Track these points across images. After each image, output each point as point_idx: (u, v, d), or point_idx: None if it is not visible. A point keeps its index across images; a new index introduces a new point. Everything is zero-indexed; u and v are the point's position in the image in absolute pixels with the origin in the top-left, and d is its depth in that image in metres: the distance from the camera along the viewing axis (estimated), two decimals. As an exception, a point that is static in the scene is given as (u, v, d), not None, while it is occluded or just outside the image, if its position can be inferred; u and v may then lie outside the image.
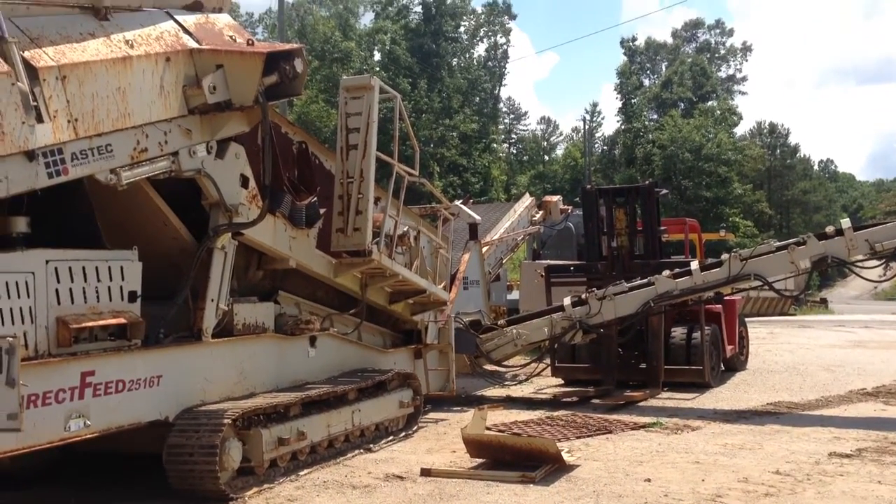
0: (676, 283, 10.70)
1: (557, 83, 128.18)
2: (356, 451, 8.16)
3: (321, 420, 7.67)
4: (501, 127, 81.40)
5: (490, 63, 72.96)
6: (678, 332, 12.55)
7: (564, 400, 11.45)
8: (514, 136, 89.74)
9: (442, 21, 62.23)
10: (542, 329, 11.09)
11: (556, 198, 16.50)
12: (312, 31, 59.67)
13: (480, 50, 72.23)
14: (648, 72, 72.14)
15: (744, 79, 76.48)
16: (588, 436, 8.88)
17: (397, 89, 55.00)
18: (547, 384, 13.12)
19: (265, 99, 6.96)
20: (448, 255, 10.68)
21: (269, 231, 7.74)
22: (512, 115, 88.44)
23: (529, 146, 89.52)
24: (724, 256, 10.69)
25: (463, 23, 67.41)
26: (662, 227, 12.89)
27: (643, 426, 9.40)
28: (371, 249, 8.45)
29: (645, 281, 10.89)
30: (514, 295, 18.19)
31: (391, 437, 8.82)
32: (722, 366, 13.58)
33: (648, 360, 12.21)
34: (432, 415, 10.44)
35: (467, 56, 69.43)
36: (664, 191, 13.60)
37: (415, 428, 9.31)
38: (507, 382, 11.92)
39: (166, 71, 6.56)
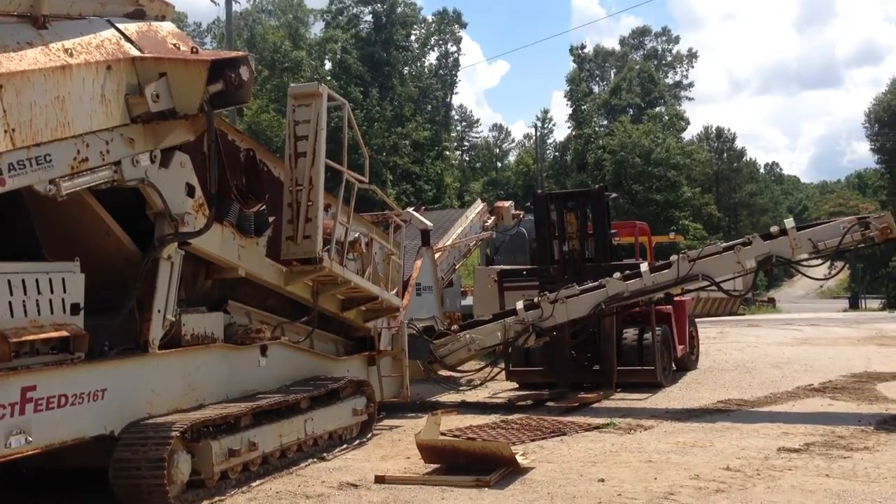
0: (627, 284, 10.81)
1: (508, 91, 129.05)
2: (310, 461, 8.08)
3: (273, 430, 7.58)
4: (454, 135, 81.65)
5: (441, 71, 73.22)
6: (630, 334, 12.68)
7: (519, 403, 11.49)
8: (466, 143, 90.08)
9: (393, 30, 62.36)
10: (495, 333, 11.12)
11: (507, 203, 16.58)
12: (262, 40, 59.34)
13: (431, 58, 72.46)
14: (598, 79, 73.03)
15: (690, 85, 77.85)
16: (542, 438, 8.91)
17: (349, 98, 55.03)
18: (502, 388, 13.16)
19: (210, 107, 6.87)
20: (400, 261, 10.66)
21: (216, 240, 7.64)
22: (464, 123, 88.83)
23: (482, 153, 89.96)
24: (673, 258, 10.83)
25: (413, 31, 67.61)
26: (613, 231, 13.03)
27: (597, 427, 9.46)
28: (322, 257, 8.39)
29: (596, 283, 10.98)
30: (469, 300, 18.23)
31: (345, 446, 8.75)
32: (673, 365, 13.77)
33: (601, 361, 12.31)
34: (387, 422, 10.40)
35: (418, 64, 69.60)
36: (614, 195, 13.78)
37: (369, 435, 9.25)
38: (461, 388, 11.92)
39: (107, 79, 6.44)
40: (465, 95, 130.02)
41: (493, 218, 15.81)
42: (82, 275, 6.31)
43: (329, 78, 55.32)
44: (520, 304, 11.17)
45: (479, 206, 16.03)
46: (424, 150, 62.42)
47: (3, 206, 5.92)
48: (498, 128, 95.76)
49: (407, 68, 66.44)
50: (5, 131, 5.58)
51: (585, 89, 68.46)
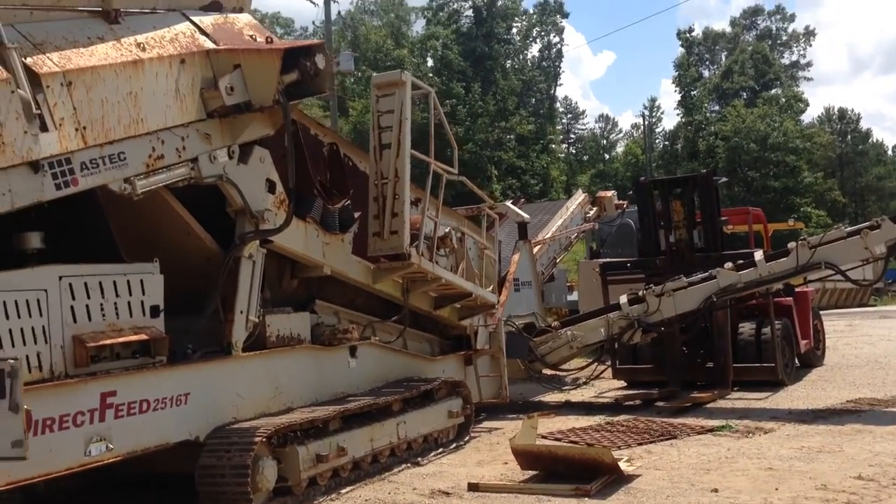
0: (740, 275, 10.03)
1: (615, 81, 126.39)
2: (403, 466, 7.74)
3: (363, 434, 7.27)
4: (559, 127, 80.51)
5: (544, 63, 72.24)
6: (746, 328, 11.85)
7: (626, 404, 10.88)
8: (572, 135, 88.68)
9: (493, 23, 61.79)
10: (598, 330, 10.53)
11: (610, 193, 15.86)
12: (365, 41, 59.91)
13: (534, 50, 71.57)
14: (708, 63, 70.43)
15: (808, 64, 74.12)
16: (650, 442, 8.30)
17: (451, 94, 54.68)
18: (609, 387, 12.55)
19: (286, 98, 6.61)
20: (494, 256, 10.20)
21: (299, 237, 7.39)
22: (569, 115, 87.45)
23: (588, 145, 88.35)
24: (791, 245, 9.98)
25: (515, 24, 66.88)
26: (723, 218, 12.20)
27: (711, 430, 8.77)
28: (409, 253, 8.04)
29: (706, 275, 10.24)
30: (575, 296, 17.61)
31: (441, 450, 8.38)
32: (796, 362, 12.81)
33: (715, 358, 11.55)
34: (487, 424, 9.98)
35: (521, 57, 68.86)
36: (723, 178, 12.91)
37: (466, 438, 8.85)
38: (565, 387, 11.36)
39: (181, 73, 6.25)
40: (570, 87, 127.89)
41: (595, 209, 15.14)
42: (161, 276, 6.15)
43: (430, 74, 55.25)
44: (623, 299, 10.54)
45: (579, 196, 15.39)
46: (529, 144, 61.62)
47: (78, 206, 5.79)
48: (604, 118, 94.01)
49: (509, 62, 65.79)
50: (76, 129, 5.44)
51: (695, 74, 66.08)
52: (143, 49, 6.05)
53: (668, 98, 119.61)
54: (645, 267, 12.16)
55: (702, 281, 10.22)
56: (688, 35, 69.03)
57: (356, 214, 8.19)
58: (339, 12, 62.52)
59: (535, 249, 12.84)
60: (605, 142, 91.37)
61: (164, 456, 6.06)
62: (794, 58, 72.76)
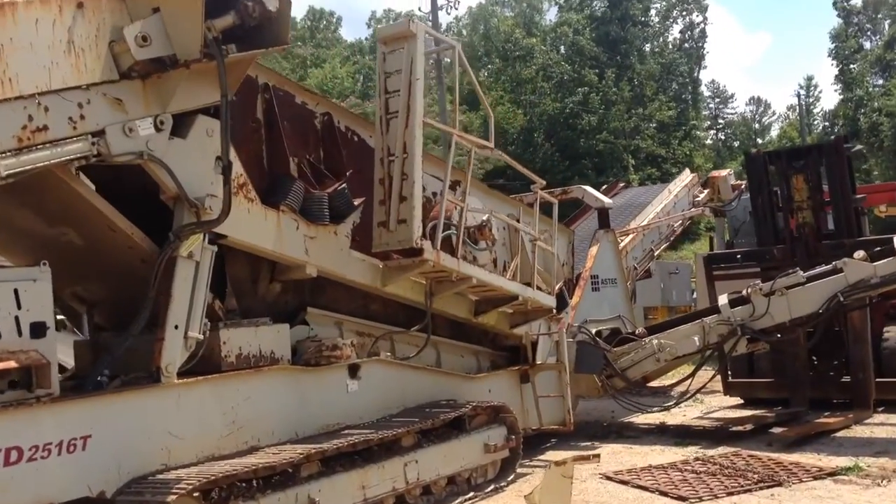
0: (875, 266, 7.75)
1: (767, 62, 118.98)
2: (413, 518, 6.09)
3: (350, 480, 5.67)
4: (705, 112, 76.26)
5: (686, 45, 68.40)
6: (893, 333, 9.46)
7: (733, 429, 8.78)
8: (721, 121, 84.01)
9: (629, 5, 58.78)
10: (691, 339, 8.43)
11: (725, 172, 13.49)
12: (497, 32, 58.44)
13: (675, 32, 67.94)
14: (869, 33, 64.51)
15: None
16: (744, 491, 6.28)
17: (583, 81, 52.38)
18: (719, 404, 10.42)
19: (220, 50, 5.08)
20: (552, 249, 8.32)
21: (268, 231, 5.86)
22: (717, 100, 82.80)
23: (739, 130, 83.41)
24: (948, 226, 7.61)
25: (653, 5, 63.57)
26: (859, 196, 9.78)
27: (832, 473, 6.64)
28: (422, 246, 6.36)
29: (829, 267, 8.00)
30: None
31: (472, 495, 6.67)
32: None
33: (852, 371, 9.22)
34: (550, 454, 8.17)
35: (660, 40, 65.42)
36: (857, 146, 10.45)
37: (510, 477, 7.08)
38: (650, 409, 9.23)
39: (77, 21, 4.82)
40: (718, 70, 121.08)
41: (706, 192, 12.86)
42: (49, 283, 4.73)
43: (562, 62, 53.06)
44: (723, 299, 8.42)
45: (686, 177, 13.15)
46: (670, 131, 58.30)
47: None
48: (756, 101, 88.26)
49: (648, 45, 62.57)
50: None
51: (854, 45, 60.58)
52: (18, -11, 4.67)
53: (826, 76, 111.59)
54: (760, 258, 9.95)
55: (824, 275, 7.99)
56: (845, 4, 63.40)
57: (357, 202, 6.60)
58: (469, 7, 61.22)
59: (627, 240, 10.84)
60: (757, 125, 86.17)
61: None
62: (971, 22, 65.54)
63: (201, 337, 5.34)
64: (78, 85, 4.79)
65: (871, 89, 57.24)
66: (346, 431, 6.09)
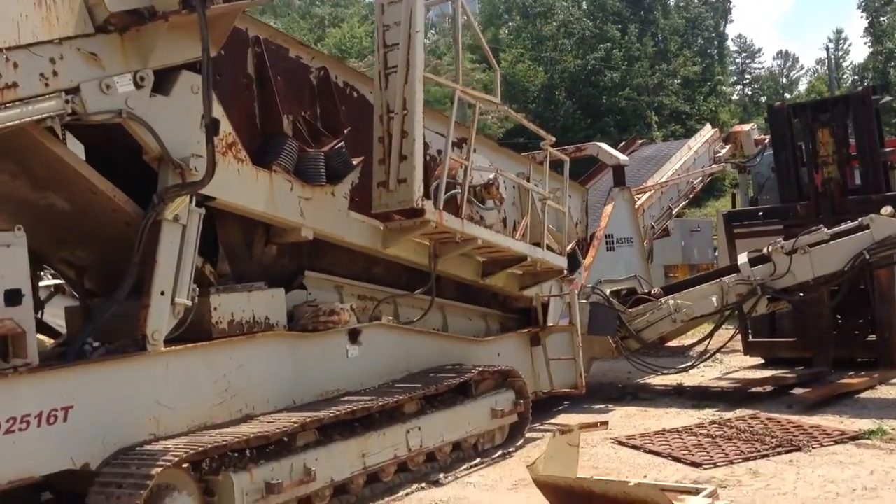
0: (904, 222, 7.39)
1: (798, 16, 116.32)
2: (415, 486, 5.90)
3: (348, 449, 5.48)
4: (732, 68, 74.81)
5: (712, -1, 66.85)
6: (921, 291, 9.09)
7: (752, 390, 8.50)
8: (748, 76, 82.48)
9: (653, -42, 57.44)
10: (708, 299, 8.12)
11: (747, 126, 13.04)
12: (520, -12, 57.42)
13: (700, -16, 66.42)
14: (901, -18, 62.63)
15: None
16: (762, 456, 6.02)
17: (605, 38, 51.52)
18: (740, 364, 10.14)
19: (202, 1, 4.80)
20: (563, 207, 8.00)
21: (259, 192, 5.63)
22: (744, 54, 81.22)
23: (766, 85, 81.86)
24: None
25: (678, -43, 62.08)
26: (888, 149, 9.34)
27: (854, 436, 6.36)
28: (423, 206, 6.10)
29: (855, 224, 7.64)
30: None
31: (479, 461, 6.47)
32: None
33: (878, 330, 8.88)
34: (563, 416, 7.97)
35: (686, -8, 63.95)
36: (887, 97, 9.99)
37: (519, 442, 6.87)
38: (665, 370, 8.87)
39: (47, -28, 4.58)
40: (745, 24, 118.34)
41: (728, 147, 12.43)
42: (24, 249, 4.53)
43: (584, 19, 52.05)
44: (743, 258, 8.09)
45: (707, 132, 12.71)
46: (695, 87, 57.20)
47: None
48: (784, 55, 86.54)
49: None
50: None
51: (884, -4, 58.94)
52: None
53: (857, 27, 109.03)
54: (783, 215, 9.58)
55: (849, 232, 7.63)
56: (876, -47, 61.52)
57: (356, 161, 6.33)
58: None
59: (643, 198, 10.49)
60: (784, 80, 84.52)
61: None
62: None
63: (189, 303, 5.13)
64: (50, 39, 4.55)
65: (902, 41, 55.79)
66: (346, 398, 5.90)
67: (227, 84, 5.71)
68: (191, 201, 5.17)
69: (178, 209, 5.12)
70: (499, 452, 6.68)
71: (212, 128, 4.90)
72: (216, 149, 5.28)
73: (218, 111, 5.36)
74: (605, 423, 5.40)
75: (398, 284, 6.98)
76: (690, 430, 6.89)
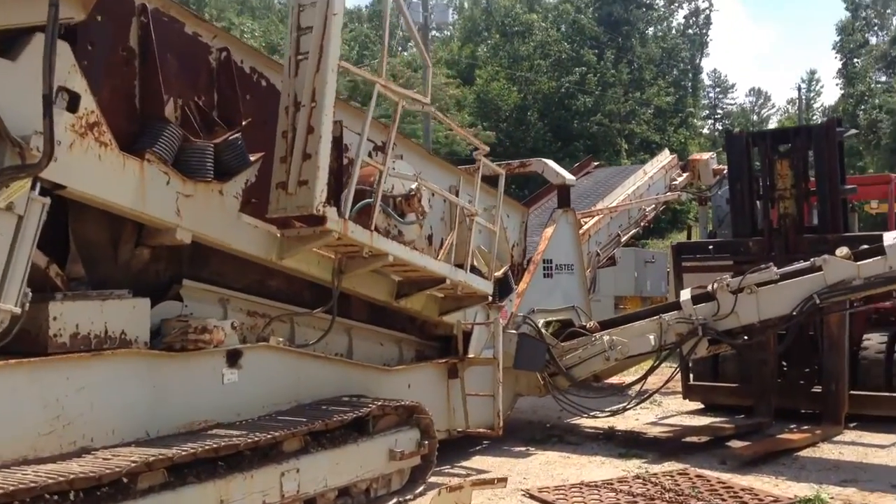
0: (858, 266, 6.75)
1: (774, 54, 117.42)
2: (287, 539, 5.11)
3: (201, 494, 4.66)
4: (705, 101, 75.19)
5: (690, 31, 67.15)
6: (874, 341, 8.55)
7: (686, 440, 7.83)
8: (720, 111, 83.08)
9: (634, -15, 57.44)
10: (646, 337, 7.46)
11: (706, 155, 12.45)
12: (497, 7, 57.15)
13: (679, 17, 66.75)
14: (876, 28, 63.27)
15: None
16: (684, 523, 5.32)
17: (581, 61, 51.36)
18: (678, 408, 9.49)
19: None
20: (493, 227, 7.28)
21: (126, 183, 4.83)
22: (717, 89, 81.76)
23: (737, 121, 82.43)
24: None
25: (659, -13, 62.22)
26: (849, 186, 8.77)
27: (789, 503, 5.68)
28: (324, 213, 5.35)
29: (807, 264, 7.01)
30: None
31: (370, 509, 5.70)
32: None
33: (825, 381, 8.27)
34: (477, 459, 7.22)
35: (664, 24, 64.11)
36: (851, 131, 9.47)
37: (419, 489, 6.10)
38: (593, 413, 8.10)
39: None
40: (721, 60, 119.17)
41: (685, 175, 11.84)
42: None
43: (561, 41, 51.77)
44: (685, 294, 7.43)
45: (665, 158, 12.09)
46: (667, 118, 57.17)
47: None
48: (756, 92, 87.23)
49: (651, 28, 61.26)
50: None
51: (860, 39, 59.35)
52: None
53: (830, 70, 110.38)
54: (734, 250, 8.96)
55: (800, 273, 7.00)
56: (854, -3, 62.13)
57: (255, 157, 5.57)
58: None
59: (591, 223, 9.83)
60: (755, 117, 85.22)
61: None
62: (981, 22, 64.28)
63: (18, 310, 4.31)
64: None
65: (873, 85, 56.21)
66: (213, 432, 5.10)
67: (102, 55, 4.93)
68: (33, 188, 4.38)
69: (13, 196, 4.30)
70: (394, 500, 5.90)
71: (49, 99, 4.11)
72: (73, 129, 4.54)
73: (81, 85, 4.62)
74: (504, 481, 4.68)
75: (299, 301, 6.20)
76: (611, 484, 6.17)
